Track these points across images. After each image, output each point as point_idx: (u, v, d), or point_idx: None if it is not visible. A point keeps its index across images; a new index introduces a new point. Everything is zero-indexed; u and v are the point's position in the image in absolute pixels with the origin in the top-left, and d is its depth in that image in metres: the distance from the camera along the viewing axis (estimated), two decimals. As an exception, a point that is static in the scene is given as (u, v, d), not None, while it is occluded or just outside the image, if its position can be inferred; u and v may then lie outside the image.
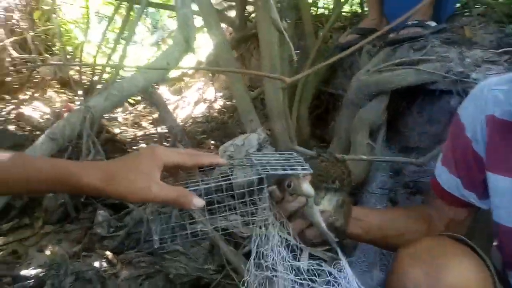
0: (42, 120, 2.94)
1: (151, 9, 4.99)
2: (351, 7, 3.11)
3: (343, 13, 2.63)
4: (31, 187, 0.67)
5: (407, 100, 1.76)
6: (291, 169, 0.69)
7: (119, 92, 1.31)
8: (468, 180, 0.86)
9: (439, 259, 0.71)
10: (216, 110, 3.02)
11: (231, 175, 0.71)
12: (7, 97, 3.57)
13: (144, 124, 3.13)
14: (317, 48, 2.12)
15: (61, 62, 3.05)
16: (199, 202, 0.65)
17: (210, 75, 3.20)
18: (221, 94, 3.18)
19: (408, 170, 1.58)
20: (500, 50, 1.49)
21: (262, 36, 1.77)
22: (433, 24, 1.78)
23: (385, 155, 1.63)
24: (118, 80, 1.60)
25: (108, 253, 1.51)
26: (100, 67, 2.83)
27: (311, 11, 2.53)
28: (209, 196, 0.69)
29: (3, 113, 2.97)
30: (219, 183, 0.68)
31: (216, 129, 2.52)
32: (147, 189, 0.63)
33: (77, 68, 3.63)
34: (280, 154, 0.77)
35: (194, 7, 1.65)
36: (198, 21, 2.03)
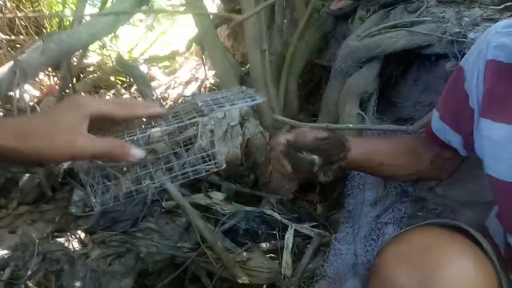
0: (31, 103, 2.85)
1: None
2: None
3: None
4: None
5: (401, 68, 1.64)
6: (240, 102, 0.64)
7: (58, 45, 1.17)
8: (456, 127, 0.83)
9: (432, 261, 0.61)
10: (208, 89, 2.91)
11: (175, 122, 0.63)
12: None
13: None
14: (307, 17, 1.99)
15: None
16: (137, 152, 0.59)
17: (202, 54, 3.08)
18: (213, 72, 3.07)
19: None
20: (501, 6, 1.36)
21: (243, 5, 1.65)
22: (429, -17, 1.64)
23: (376, 127, 1.51)
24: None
25: (80, 233, 1.42)
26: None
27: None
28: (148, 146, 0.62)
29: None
30: (159, 129, 0.62)
31: (205, 106, 2.41)
32: (70, 142, 0.55)
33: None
34: (229, 91, 0.69)
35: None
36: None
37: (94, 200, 0.62)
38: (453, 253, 0.63)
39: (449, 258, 0.61)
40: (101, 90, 3.40)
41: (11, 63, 1.07)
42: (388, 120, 1.68)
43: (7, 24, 3.79)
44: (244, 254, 1.21)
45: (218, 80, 2.39)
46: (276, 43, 2.11)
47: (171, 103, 2.91)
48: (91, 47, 3.42)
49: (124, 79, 3.37)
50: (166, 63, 4.17)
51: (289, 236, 1.41)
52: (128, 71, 1.98)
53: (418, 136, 0.96)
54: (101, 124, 0.61)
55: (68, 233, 1.42)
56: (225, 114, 1.57)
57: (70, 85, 2.56)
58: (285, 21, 2.20)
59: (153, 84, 3.43)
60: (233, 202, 1.55)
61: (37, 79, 3.55)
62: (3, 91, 1.03)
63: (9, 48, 3.77)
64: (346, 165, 0.81)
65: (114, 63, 2.60)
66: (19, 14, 3.69)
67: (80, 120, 0.56)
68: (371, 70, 1.48)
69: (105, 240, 1.37)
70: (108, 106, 0.60)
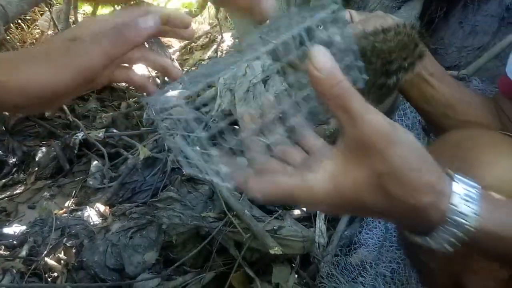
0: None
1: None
2: None
3: None
4: None
5: (444, 9, 1.44)
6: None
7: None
8: None
9: (471, 152, 0.53)
10: (225, 51, 2.75)
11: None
12: (10, 55, 3.41)
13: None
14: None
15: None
16: (148, 21, 0.41)
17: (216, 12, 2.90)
18: (230, 34, 2.90)
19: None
20: None
21: None
22: None
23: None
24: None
25: (99, 205, 1.34)
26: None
27: None
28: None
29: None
30: None
31: (224, 70, 2.27)
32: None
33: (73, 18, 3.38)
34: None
35: None
36: None
37: (179, 158, 0.41)
38: (495, 143, 0.55)
39: (490, 147, 0.53)
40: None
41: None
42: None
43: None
44: (275, 222, 1.10)
45: (237, 36, 2.21)
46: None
47: (188, 68, 2.77)
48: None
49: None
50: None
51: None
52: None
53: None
54: None
55: (87, 207, 1.34)
56: (245, 71, 1.43)
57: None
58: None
59: (170, 50, 3.30)
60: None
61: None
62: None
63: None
64: (409, 81, 0.62)
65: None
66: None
67: None
68: (411, 11, 1.29)
69: (125, 213, 1.28)
70: None
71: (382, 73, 0.60)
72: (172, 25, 0.46)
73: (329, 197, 0.36)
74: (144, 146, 1.52)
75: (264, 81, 1.44)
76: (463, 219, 0.37)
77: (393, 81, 0.60)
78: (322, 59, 0.34)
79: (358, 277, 1.03)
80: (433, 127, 0.76)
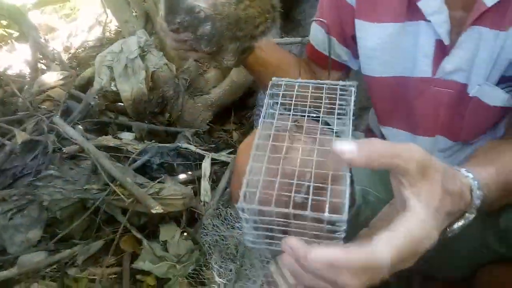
0: None
1: None
2: None
3: None
4: None
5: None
6: None
7: None
8: (341, 36, 0.80)
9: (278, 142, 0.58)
10: (113, 32, 2.68)
11: None
12: None
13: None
14: None
15: None
16: None
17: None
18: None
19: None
20: None
21: None
22: None
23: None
24: None
25: (-24, 194, 1.29)
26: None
27: None
28: None
29: None
30: None
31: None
32: None
33: None
34: None
35: None
36: None
37: None
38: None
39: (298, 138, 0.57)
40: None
41: None
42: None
43: None
44: (157, 186, 1.18)
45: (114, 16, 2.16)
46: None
47: (75, 50, 2.65)
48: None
49: (14, 31, 2.98)
50: (68, 10, 3.76)
51: (206, 164, 1.40)
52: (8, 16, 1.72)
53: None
54: None
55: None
56: (122, 48, 1.45)
57: None
58: None
59: (54, 34, 3.10)
60: (146, 141, 1.49)
61: None
62: None
63: None
64: (256, 54, 0.69)
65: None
66: None
67: None
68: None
69: (5, 198, 1.25)
70: None
71: (250, 38, 0.64)
72: None
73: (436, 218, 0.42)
74: (24, 130, 1.47)
75: (143, 57, 1.47)
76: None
77: (254, 44, 0.67)
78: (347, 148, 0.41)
79: (236, 223, 1.16)
80: (264, 87, 0.89)
